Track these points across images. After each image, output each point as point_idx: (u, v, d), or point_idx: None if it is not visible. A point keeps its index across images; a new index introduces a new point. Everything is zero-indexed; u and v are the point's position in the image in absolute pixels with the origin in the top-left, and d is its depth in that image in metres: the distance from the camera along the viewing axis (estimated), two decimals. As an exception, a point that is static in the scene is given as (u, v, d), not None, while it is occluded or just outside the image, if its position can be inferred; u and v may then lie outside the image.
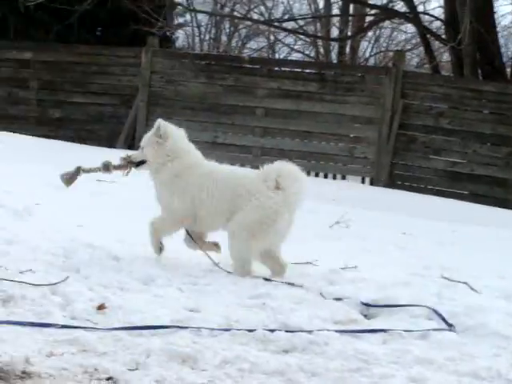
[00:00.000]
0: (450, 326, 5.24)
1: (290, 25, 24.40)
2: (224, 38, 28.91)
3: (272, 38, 27.13)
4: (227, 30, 28.82)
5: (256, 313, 5.13)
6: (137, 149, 7.12)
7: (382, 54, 27.90)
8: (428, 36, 20.55)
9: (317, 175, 17.05)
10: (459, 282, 6.61)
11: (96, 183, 9.51)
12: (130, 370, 3.83)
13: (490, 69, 17.74)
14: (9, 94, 18.47)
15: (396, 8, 23.31)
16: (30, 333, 4.23)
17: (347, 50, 25.93)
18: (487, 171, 15.96)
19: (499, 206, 15.17)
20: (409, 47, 26.37)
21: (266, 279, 6.20)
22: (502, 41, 22.60)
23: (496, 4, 21.40)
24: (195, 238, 6.69)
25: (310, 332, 4.73)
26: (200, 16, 27.12)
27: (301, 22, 25.45)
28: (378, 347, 4.68)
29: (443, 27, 20.72)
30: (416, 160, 16.39)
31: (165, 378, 3.77)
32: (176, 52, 20.71)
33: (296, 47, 27.40)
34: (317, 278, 6.30)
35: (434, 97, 16.47)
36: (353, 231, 9.48)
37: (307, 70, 17.93)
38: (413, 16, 20.38)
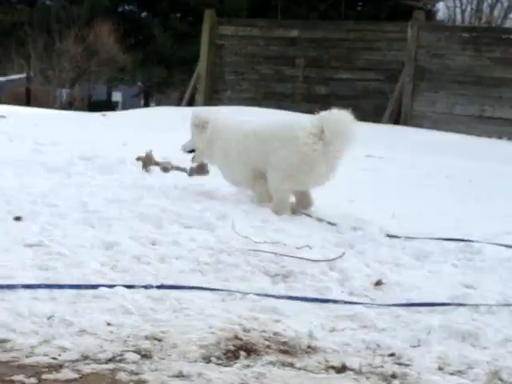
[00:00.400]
0: None
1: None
2: (486, 9, 28.02)
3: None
4: (489, 1, 27.92)
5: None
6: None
7: None
8: None
9: None
10: None
11: (365, 159, 9.58)
12: (411, 346, 3.83)
13: None
14: (276, 71, 18.98)
15: None
16: (311, 308, 4.34)
17: None
18: None
19: None
20: None
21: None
22: None
23: None
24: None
25: None
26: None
27: None
28: None
29: None
30: None
31: (446, 355, 3.74)
32: (442, 25, 20.45)
33: None
34: None
35: None
36: None
37: None
38: None
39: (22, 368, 3.19)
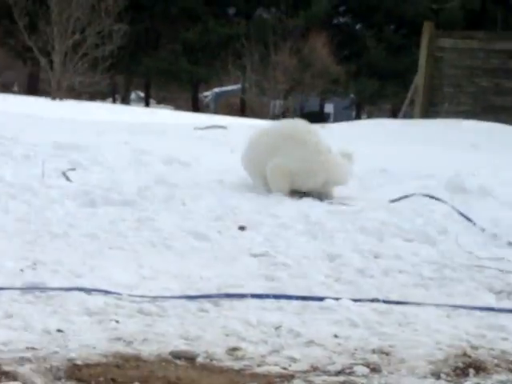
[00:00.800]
0: None
1: None
2: None
3: None
4: None
5: None
6: None
7: None
8: None
9: None
10: None
11: None
12: None
13: None
14: (495, 84, 18.49)
15: None
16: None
17: None
18: None
19: None
20: None
21: None
22: None
23: None
24: None
25: None
26: None
27: None
28: None
29: None
30: None
31: None
32: None
33: None
34: None
35: None
36: None
37: None
38: None
39: (255, 377, 3.25)
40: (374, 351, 3.63)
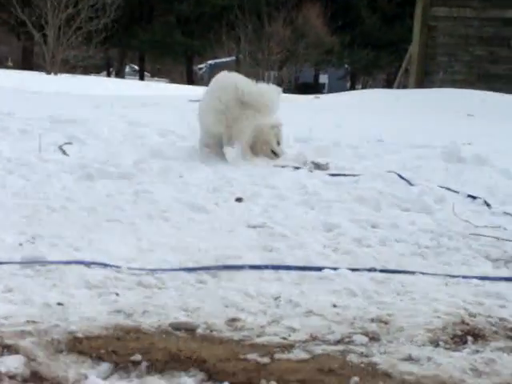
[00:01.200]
0: None
1: None
2: None
3: None
4: None
5: None
6: None
7: None
8: None
9: None
10: None
11: None
12: None
13: None
14: (490, 53, 18.45)
15: None
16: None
17: None
18: None
19: None
20: None
21: None
22: None
23: None
24: None
25: None
26: None
27: None
28: None
29: None
30: None
31: None
32: None
33: None
34: None
35: None
36: None
37: None
38: None
39: (254, 347, 3.27)
40: (372, 320, 3.65)
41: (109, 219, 5.23)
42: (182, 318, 3.54)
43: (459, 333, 3.56)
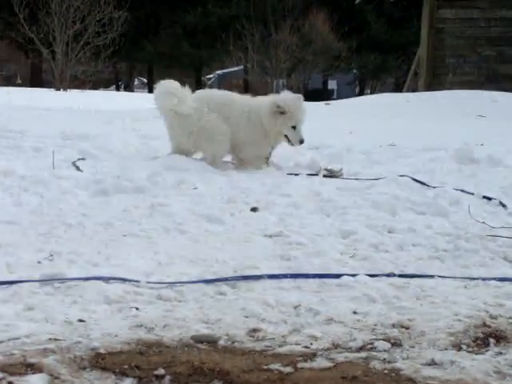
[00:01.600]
0: None
1: None
2: None
3: None
4: None
5: None
6: None
7: None
8: None
9: None
10: None
11: None
12: None
13: None
14: (499, 53, 18.41)
15: None
16: None
17: None
18: None
19: None
20: None
21: None
22: None
23: None
24: None
25: None
26: None
27: None
28: None
29: None
30: None
31: None
32: None
33: None
34: None
35: None
36: None
37: None
38: None
39: (277, 357, 3.27)
40: (393, 326, 3.64)
41: (125, 234, 5.24)
42: (203, 330, 3.54)
43: (481, 335, 3.56)
